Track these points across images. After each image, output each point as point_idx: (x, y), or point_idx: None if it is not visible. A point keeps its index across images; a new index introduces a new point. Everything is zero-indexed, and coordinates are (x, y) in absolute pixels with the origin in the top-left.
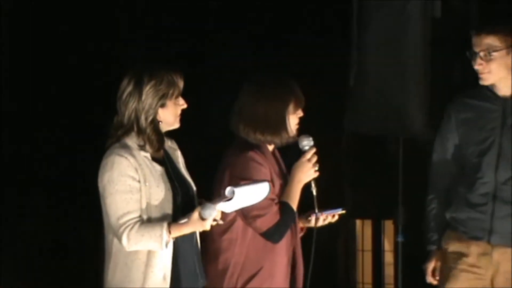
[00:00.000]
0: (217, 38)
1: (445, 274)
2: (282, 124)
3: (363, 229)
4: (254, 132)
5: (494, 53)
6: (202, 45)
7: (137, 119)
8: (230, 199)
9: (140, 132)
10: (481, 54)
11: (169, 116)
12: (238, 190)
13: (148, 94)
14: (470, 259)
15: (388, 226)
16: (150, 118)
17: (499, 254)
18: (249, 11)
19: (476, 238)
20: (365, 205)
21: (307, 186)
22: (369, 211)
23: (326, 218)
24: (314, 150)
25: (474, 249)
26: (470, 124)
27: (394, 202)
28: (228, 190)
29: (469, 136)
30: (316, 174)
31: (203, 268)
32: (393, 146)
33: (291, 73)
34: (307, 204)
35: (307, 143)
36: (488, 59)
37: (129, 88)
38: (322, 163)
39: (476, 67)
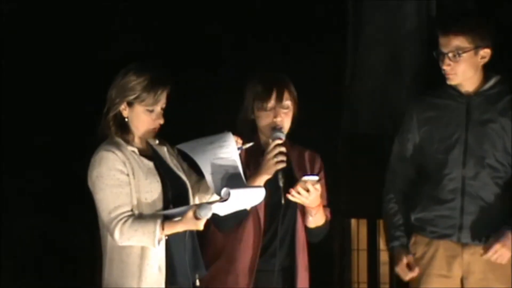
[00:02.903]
0: (214, 38)
1: (416, 280)
2: (250, 117)
3: (359, 228)
4: (240, 125)
5: (463, 54)
6: (201, 45)
7: (108, 104)
8: (225, 200)
9: (104, 116)
10: (450, 55)
11: (136, 120)
12: (234, 192)
13: (123, 85)
14: (439, 263)
15: (384, 225)
16: (113, 108)
17: (469, 255)
18: (246, 11)
19: (445, 236)
20: (360, 204)
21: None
22: (364, 210)
23: (304, 186)
24: (277, 142)
25: (442, 252)
26: (433, 122)
27: None
28: (224, 191)
29: (432, 134)
30: (279, 166)
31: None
32: (388, 144)
33: (287, 72)
34: None
35: (274, 136)
36: (456, 60)
37: (118, 74)
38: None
39: (444, 67)
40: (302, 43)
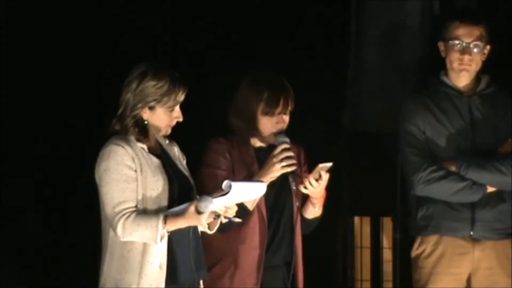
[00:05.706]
0: (216, 37)
1: (422, 279)
2: (251, 119)
3: (362, 226)
4: (233, 120)
5: (481, 45)
6: (202, 45)
7: (125, 108)
8: (227, 193)
9: (121, 119)
10: (472, 45)
11: (157, 121)
12: (235, 185)
13: (143, 90)
14: (447, 261)
15: (387, 223)
16: (134, 113)
17: (480, 251)
18: (248, 8)
19: (456, 231)
20: (364, 202)
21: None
22: (367, 208)
23: (317, 177)
24: (283, 146)
25: (452, 250)
26: (437, 125)
27: (392, 199)
28: (225, 183)
29: (438, 136)
30: (285, 170)
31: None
32: (391, 143)
33: (290, 70)
34: None
35: (280, 140)
36: (478, 51)
37: (132, 78)
38: (321, 160)
39: (466, 56)
40: (305, 42)
